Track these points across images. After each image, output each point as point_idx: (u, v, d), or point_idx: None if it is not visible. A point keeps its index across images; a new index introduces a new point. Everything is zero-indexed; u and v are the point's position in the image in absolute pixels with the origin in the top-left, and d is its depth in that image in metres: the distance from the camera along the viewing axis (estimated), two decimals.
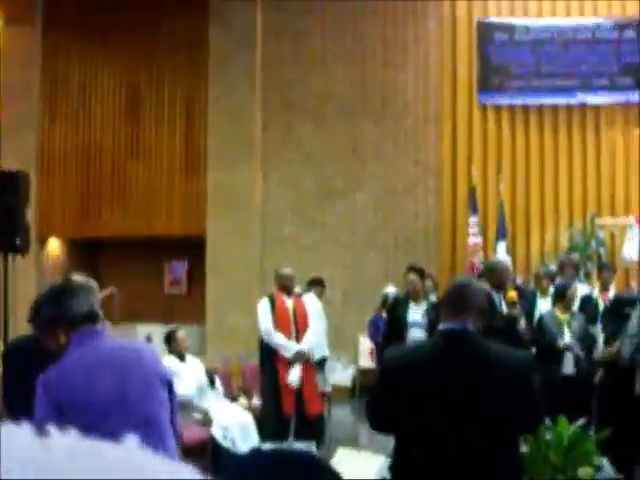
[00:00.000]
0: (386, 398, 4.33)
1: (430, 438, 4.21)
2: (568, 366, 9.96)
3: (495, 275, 9.07)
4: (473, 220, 14.72)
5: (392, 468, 4.44)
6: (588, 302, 11.20)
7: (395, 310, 10.04)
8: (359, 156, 15.72)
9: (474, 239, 14.59)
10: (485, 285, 8.73)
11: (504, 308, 9.01)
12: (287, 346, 10.10)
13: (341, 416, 12.61)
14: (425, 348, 4.57)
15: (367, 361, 14.72)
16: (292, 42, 15.71)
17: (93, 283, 4.16)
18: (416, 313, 10.06)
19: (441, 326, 4.39)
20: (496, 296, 8.82)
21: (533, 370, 4.38)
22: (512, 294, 9.09)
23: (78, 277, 4.17)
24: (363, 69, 15.71)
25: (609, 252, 14.54)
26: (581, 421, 7.78)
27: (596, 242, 14.47)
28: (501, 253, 14.14)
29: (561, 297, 10.09)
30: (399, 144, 15.72)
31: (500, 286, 8.98)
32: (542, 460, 7.29)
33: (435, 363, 4.28)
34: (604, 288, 11.88)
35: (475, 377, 4.20)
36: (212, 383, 9.85)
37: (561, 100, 15.47)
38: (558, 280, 10.88)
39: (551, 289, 10.66)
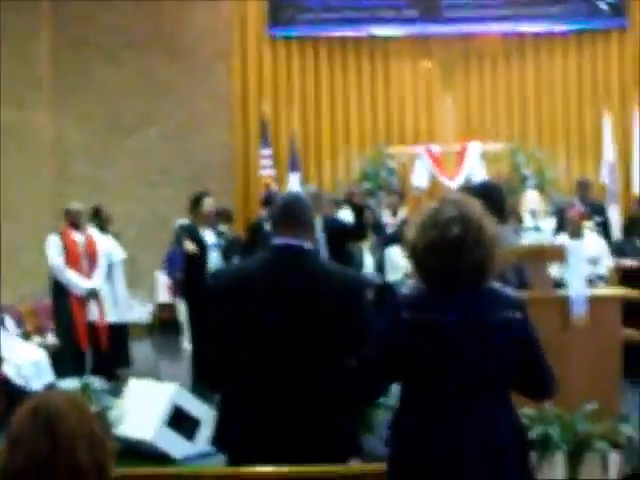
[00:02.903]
0: (220, 320, 4.22)
1: (259, 356, 4.13)
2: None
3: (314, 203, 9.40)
4: (265, 153, 14.81)
5: (221, 402, 4.34)
6: (378, 226, 11.58)
7: (190, 235, 10.03)
8: (151, 92, 15.51)
9: (267, 171, 14.70)
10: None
11: None
12: (78, 283, 9.99)
13: (141, 352, 12.56)
14: (257, 261, 4.45)
15: (165, 296, 14.70)
16: None
17: None
18: (211, 236, 10.16)
19: (274, 241, 4.29)
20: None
21: (365, 293, 4.37)
22: None
23: None
24: (153, 4, 15.44)
25: (400, 180, 14.88)
26: None
27: (387, 171, 14.80)
28: (294, 185, 14.29)
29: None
30: (190, 79, 15.60)
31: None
32: None
33: (266, 279, 4.17)
34: (393, 214, 12.26)
35: (307, 294, 4.13)
36: (1, 323, 9.67)
37: (350, 32, 15.64)
38: None
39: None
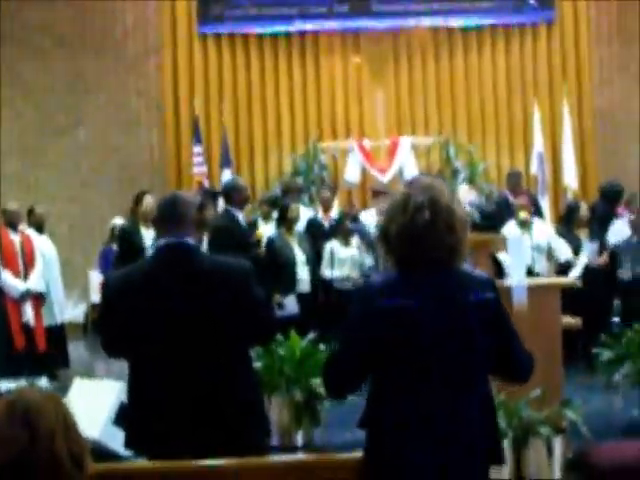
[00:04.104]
0: (113, 321, 4.27)
1: (158, 355, 4.19)
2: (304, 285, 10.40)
3: (236, 194, 9.40)
4: (197, 150, 14.76)
5: (129, 391, 4.40)
6: (313, 223, 11.59)
7: (129, 237, 9.97)
8: (81, 90, 15.39)
9: (199, 168, 14.65)
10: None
11: None
12: (13, 285, 9.88)
13: (76, 352, 12.44)
14: (144, 265, 4.52)
15: (98, 296, 14.57)
16: None
17: None
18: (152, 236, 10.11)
19: (160, 241, 4.36)
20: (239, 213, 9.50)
21: (251, 277, 4.33)
22: None
23: None
24: (82, 1, 15.28)
25: (332, 175, 14.93)
26: (311, 335, 8.09)
27: (319, 166, 14.84)
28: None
29: (283, 218, 10.45)
30: (120, 76, 15.50)
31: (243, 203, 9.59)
32: (277, 373, 7.52)
33: (154, 278, 4.24)
34: (326, 209, 12.28)
35: (194, 289, 4.19)
36: None
37: (280, 28, 15.64)
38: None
39: (275, 214, 10.93)
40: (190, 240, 4.29)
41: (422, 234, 3.52)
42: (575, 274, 10.33)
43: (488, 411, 3.67)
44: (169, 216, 4.32)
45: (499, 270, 9.18)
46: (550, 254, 10.69)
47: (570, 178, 14.54)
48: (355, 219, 12.02)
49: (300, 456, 4.23)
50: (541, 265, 10.44)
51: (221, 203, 11.76)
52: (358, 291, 3.87)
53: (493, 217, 11.73)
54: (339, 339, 3.67)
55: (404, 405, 3.51)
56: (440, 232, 3.52)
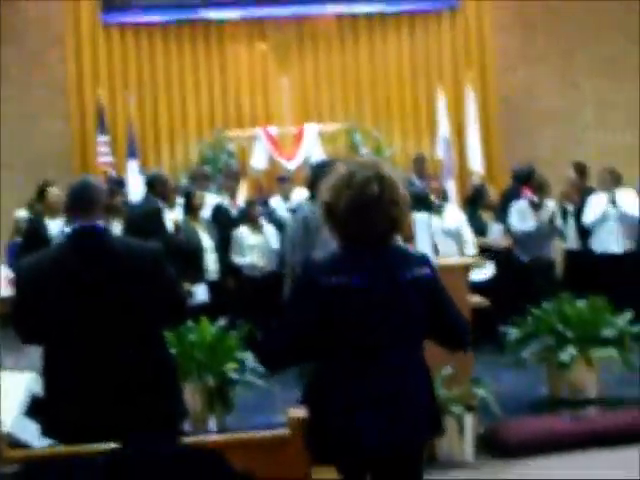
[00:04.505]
0: (28, 309, 4.26)
1: (72, 340, 4.20)
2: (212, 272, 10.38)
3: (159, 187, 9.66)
4: (103, 140, 14.60)
5: (43, 379, 4.36)
6: (220, 210, 11.58)
7: (34, 228, 9.85)
8: None
9: (104, 159, 14.49)
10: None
11: None
12: None
13: None
14: (54, 250, 4.55)
15: (6, 290, 14.31)
16: None
17: None
18: (57, 227, 10.01)
19: (71, 227, 4.39)
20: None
21: (163, 258, 4.40)
22: None
23: None
24: None
25: (239, 163, 14.89)
26: (222, 321, 8.08)
27: (226, 154, 14.79)
28: (133, 171, 14.15)
29: (188, 206, 10.45)
30: (23, 68, 15.24)
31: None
32: (189, 359, 7.50)
33: (65, 262, 4.25)
34: (232, 197, 12.31)
35: (108, 272, 4.22)
36: None
37: (184, 16, 15.52)
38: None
39: (180, 200, 10.91)
40: (101, 223, 4.32)
41: (370, 207, 3.64)
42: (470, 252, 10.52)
43: (429, 384, 3.81)
44: (80, 201, 4.34)
45: None
46: (459, 239, 10.82)
47: (475, 163, 14.71)
48: (265, 204, 12.06)
49: (214, 436, 4.25)
50: (452, 249, 10.56)
51: (130, 191, 11.74)
52: (302, 269, 3.90)
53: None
54: (281, 315, 3.72)
55: (353, 384, 3.61)
56: (386, 205, 3.65)
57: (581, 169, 11.86)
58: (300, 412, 3.74)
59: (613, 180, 11.31)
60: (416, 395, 3.70)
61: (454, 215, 11.09)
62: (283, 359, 3.75)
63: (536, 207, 10.98)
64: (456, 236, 10.73)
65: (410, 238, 7.30)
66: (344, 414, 3.59)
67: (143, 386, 4.22)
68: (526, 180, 11.39)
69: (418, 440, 3.76)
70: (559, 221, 11.37)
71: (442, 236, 10.31)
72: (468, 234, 10.86)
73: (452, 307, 3.85)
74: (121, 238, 4.81)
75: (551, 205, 11.18)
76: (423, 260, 3.83)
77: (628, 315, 8.43)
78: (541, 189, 11.08)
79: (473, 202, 11.82)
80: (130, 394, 4.18)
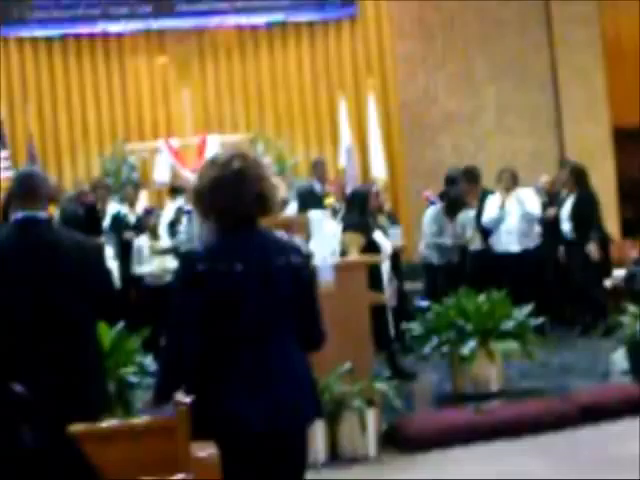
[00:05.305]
0: None
1: (9, 329, 4.22)
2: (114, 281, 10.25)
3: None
4: (3, 155, 14.36)
5: None
6: (117, 218, 11.55)
7: None
8: None
9: (5, 173, 14.23)
10: None
11: None
12: None
13: None
14: None
15: None
16: None
17: None
18: None
19: (14, 216, 4.40)
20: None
21: (102, 252, 4.59)
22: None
23: None
24: None
25: (141, 175, 14.78)
26: (120, 326, 7.95)
27: (127, 167, 14.68)
28: None
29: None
30: None
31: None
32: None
33: (9, 252, 4.29)
34: (131, 205, 12.30)
35: (48, 262, 4.28)
36: None
37: (83, 29, 15.37)
38: None
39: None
40: (44, 214, 4.42)
41: (234, 183, 3.65)
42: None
43: (308, 367, 3.80)
44: (24, 190, 4.42)
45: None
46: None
47: (378, 169, 14.78)
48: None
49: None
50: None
51: None
52: (181, 259, 3.97)
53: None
54: (170, 310, 3.74)
55: (235, 371, 3.60)
56: (251, 180, 3.66)
57: (469, 176, 11.92)
58: (186, 398, 3.72)
59: (511, 180, 11.45)
60: (298, 378, 3.72)
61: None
62: (196, 358, 3.66)
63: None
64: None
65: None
66: (227, 401, 3.59)
67: (71, 371, 4.27)
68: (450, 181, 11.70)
69: (302, 422, 3.78)
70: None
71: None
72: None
73: (317, 305, 3.85)
74: (65, 230, 4.89)
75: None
76: (297, 250, 3.87)
77: (527, 308, 8.53)
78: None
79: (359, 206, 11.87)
80: (59, 379, 4.21)
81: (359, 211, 9.83)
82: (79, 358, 4.31)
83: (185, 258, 3.89)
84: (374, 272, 8.58)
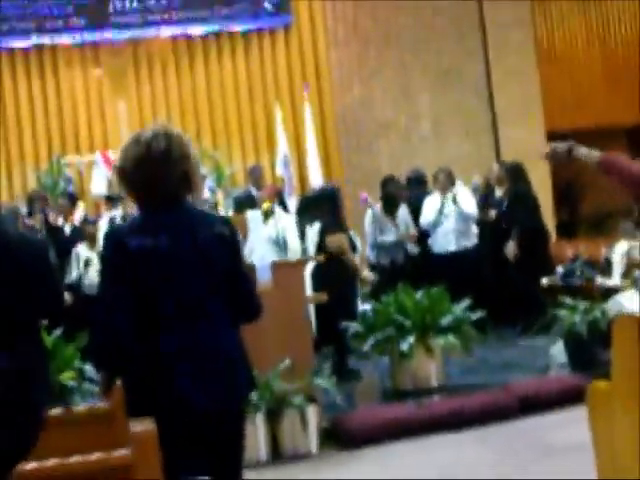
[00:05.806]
0: None
1: None
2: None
3: None
4: None
5: None
6: (52, 228, 11.56)
7: None
8: None
9: None
10: None
11: None
12: None
13: None
14: None
15: None
16: None
17: None
18: None
19: None
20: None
21: (49, 251, 4.36)
22: None
23: None
24: None
25: (79, 188, 14.69)
26: (58, 332, 7.89)
27: (64, 181, 14.58)
28: None
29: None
30: None
31: None
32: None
33: None
34: (66, 217, 12.31)
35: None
36: None
37: (17, 43, 15.25)
38: None
39: None
40: None
41: (158, 161, 3.67)
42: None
43: (241, 342, 3.80)
44: None
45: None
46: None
47: (315, 177, 14.81)
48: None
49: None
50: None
51: None
52: (105, 235, 3.85)
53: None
54: (101, 291, 3.76)
55: (168, 346, 3.59)
56: (175, 159, 3.68)
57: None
58: (120, 385, 3.73)
59: (448, 180, 11.55)
60: (232, 353, 3.72)
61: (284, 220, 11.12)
62: (129, 336, 3.62)
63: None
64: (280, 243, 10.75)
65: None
66: (163, 376, 3.58)
67: (19, 373, 4.07)
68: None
69: (239, 397, 3.78)
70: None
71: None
72: (293, 241, 10.90)
73: (247, 273, 3.92)
74: (13, 229, 4.81)
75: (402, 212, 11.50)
76: (223, 221, 3.90)
77: (465, 302, 8.59)
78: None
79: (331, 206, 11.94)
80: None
81: (331, 211, 9.85)
82: (25, 357, 4.10)
83: (110, 233, 3.84)
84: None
